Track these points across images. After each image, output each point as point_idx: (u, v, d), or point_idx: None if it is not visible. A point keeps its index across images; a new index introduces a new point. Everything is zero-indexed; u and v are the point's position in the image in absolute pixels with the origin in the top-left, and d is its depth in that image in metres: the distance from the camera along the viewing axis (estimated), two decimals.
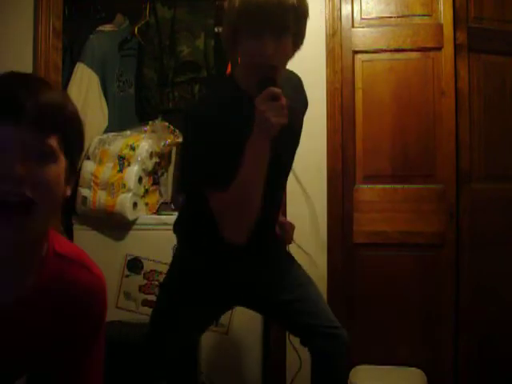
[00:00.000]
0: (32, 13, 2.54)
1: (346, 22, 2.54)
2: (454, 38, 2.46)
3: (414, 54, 2.51)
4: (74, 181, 1.03)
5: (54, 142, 0.91)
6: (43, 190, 0.90)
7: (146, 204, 2.74)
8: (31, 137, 0.88)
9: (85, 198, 2.65)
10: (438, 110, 2.49)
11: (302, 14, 1.45)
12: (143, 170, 2.70)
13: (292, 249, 1.89)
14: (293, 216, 1.77)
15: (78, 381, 1.10)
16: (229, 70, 2.68)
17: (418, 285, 2.51)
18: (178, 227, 1.76)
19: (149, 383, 1.81)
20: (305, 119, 1.71)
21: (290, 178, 1.79)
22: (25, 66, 2.53)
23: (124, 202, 2.59)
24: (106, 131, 2.90)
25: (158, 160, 2.79)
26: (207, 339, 2.41)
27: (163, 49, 3.05)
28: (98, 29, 2.98)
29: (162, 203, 2.86)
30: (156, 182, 2.83)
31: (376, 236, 2.53)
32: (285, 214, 2.33)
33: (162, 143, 2.80)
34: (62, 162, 0.94)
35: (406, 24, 2.51)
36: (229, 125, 1.45)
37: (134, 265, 2.63)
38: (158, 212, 2.80)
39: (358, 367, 2.41)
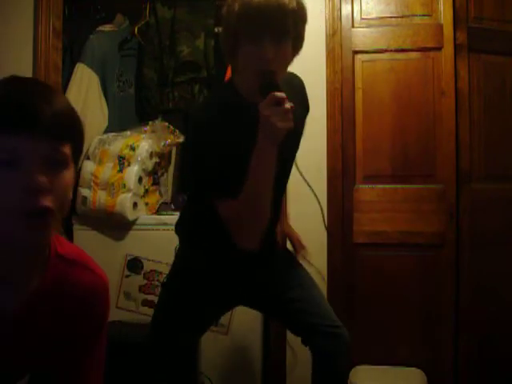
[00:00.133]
0: (32, 13, 2.54)
1: (346, 22, 2.54)
2: (454, 38, 2.46)
3: (414, 54, 2.51)
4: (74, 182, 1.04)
5: (67, 149, 0.92)
6: (59, 197, 0.91)
7: (146, 204, 2.74)
8: (48, 146, 0.89)
9: (85, 198, 2.65)
10: (437, 110, 2.49)
11: (301, 18, 1.45)
12: (143, 170, 2.70)
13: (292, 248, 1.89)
14: (293, 216, 1.76)
15: (79, 381, 1.10)
16: (228, 71, 2.68)
17: (418, 285, 2.51)
18: (179, 227, 1.76)
19: (149, 383, 1.81)
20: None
21: (291, 177, 1.78)
22: (25, 65, 2.53)
23: (124, 202, 2.59)
24: (106, 131, 2.90)
25: (158, 160, 2.79)
26: (207, 339, 2.40)
27: (163, 49, 3.05)
28: (98, 29, 2.98)
29: (162, 203, 2.86)
30: (156, 182, 2.83)
31: (376, 236, 2.53)
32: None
33: (162, 143, 2.80)
34: (72, 167, 0.95)
35: (406, 24, 2.51)
36: (230, 132, 1.45)
37: (134, 265, 2.63)
38: (157, 212, 2.80)
39: (358, 367, 2.41)
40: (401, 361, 2.47)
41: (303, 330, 1.67)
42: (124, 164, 2.66)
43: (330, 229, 2.52)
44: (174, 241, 1.82)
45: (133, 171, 2.65)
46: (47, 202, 0.88)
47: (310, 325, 1.63)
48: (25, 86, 0.94)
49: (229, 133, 1.45)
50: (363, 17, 2.55)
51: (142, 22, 3.06)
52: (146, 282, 2.62)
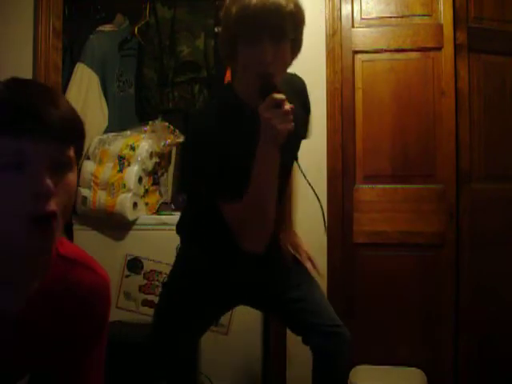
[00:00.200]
0: (32, 13, 2.54)
1: (346, 22, 2.54)
2: (454, 38, 2.46)
3: (414, 54, 2.51)
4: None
5: (72, 152, 0.92)
6: (65, 200, 0.90)
7: (146, 204, 2.74)
8: (53, 149, 0.88)
9: (85, 198, 2.65)
10: (438, 110, 2.49)
11: (299, 20, 1.45)
12: (143, 169, 2.70)
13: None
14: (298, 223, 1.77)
15: (79, 381, 1.10)
16: (228, 72, 2.68)
17: (418, 285, 2.51)
18: (180, 228, 1.76)
19: (149, 383, 1.81)
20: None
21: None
22: (25, 65, 2.54)
23: (124, 201, 2.59)
24: (106, 131, 2.90)
25: (158, 160, 2.79)
26: (207, 339, 2.40)
27: (163, 49, 3.05)
28: (98, 29, 2.98)
29: (162, 203, 2.86)
30: (156, 182, 2.83)
31: (376, 236, 2.53)
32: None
33: (162, 143, 2.80)
34: (76, 169, 0.95)
35: (405, 24, 2.51)
36: (230, 135, 1.45)
37: (134, 265, 2.63)
38: (157, 212, 2.80)
39: (358, 367, 2.41)
40: (401, 361, 2.47)
41: (304, 329, 1.67)
42: (124, 164, 2.66)
43: (329, 229, 2.51)
44: (174, 241, 1.82)
45: (133, 171, 2.65)
46: (53, 206, 0.87)
47: (311, 324, 1.63)
48: (29, 88, 0.93)
49: (229, 136, 1.45)
50: (363, 17, 2.55)
51: (142, 22, 3.07)
52: (145, 282, 2.62)
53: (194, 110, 3.00)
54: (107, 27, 3.02)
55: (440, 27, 2.48)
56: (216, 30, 2.96)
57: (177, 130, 2.90)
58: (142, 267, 2.63)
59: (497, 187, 2.54)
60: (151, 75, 3.07)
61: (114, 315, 2.40)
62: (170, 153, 2.96)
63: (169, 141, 2.83)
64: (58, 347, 1.05)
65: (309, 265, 1.73)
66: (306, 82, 1.71)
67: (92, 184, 2.65)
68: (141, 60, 3.14)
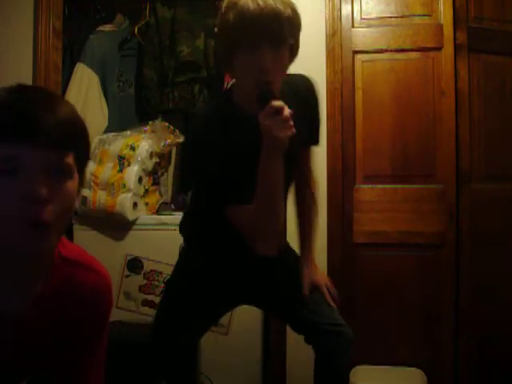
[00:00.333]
0: (32, 13, 2.54)
1: (346, 22, 2.54)
2: (454, 38, 2.46)
3: (414, 54, 2.51)
4: (81, 192, 1.04)
5: (70, 159, 0.91)
6: (62, 206, 0.90)
7: (146, 204, 2.74)
8: (49, 156, 0.88)
9: (85, 198, 2.65)
10: (438, 110, 2.49)
11: (296, 25, 1.45)
12: (143, 169, 2.70)
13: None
14: (293, 215, 1.76)
15: (79, 381, 1.10)
16: (226, 75, 2.69)
17: (418, 285, 2.51)
18: (183, 227, 1.77)
19: (149, 383, 1.82)
20: None
21: None
22: (25, 65, 2.53)
23: (124, 201, 2.59)
24: (106, 131, 2.90)
25: (158, 160, 2.79)
26: (207, 339, 2.40)
27: (163, 49, 3.05)
28: (98, 29, 2.98)
29: (162, 203, 2.86)
30: (156, 182, 2.83)
31: (376, 236, 2.53)
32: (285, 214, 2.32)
33: (162, 143, 2.80)
34: (76, 177, 0.94)
35: (405, 24, 2.51)
36: (229, 142, 1.45)
37: (134, 265, 2.63)
38: (157, 212, 2.80)
39: (358, 367, 2.41)
40: (401, 361, 2.47)
41: (306, 328, 1.67)
42: (124, 164, 2.66)
43: (329, 229, 2.52)
44: (174, 241, 1.82)
45: (133, 171, 2.65)
46: (46, 213, 0.87)
47: (313, 323, 1.63)
48: (27, 94, 0.94)
49: (228, 141, 1.46)
50: (363, 17, 2.55)
51: (142, 22, 3.07)
52: (145, 282, 2.62)
53: (195, 110, 3.00)
54: (107, 27, 3.02)
55: (440, 27, 2.48)
56: (216, 29, 2.96)
57: (177, 130, 2.90)
58: (142, 267, 2.63)
59: (497, 187, 2.54)
60: (151, 75, 3.07)
61: (114, 315, 2.40)
62: (170, 153, 2.95)
63: (169, 141, 2.83)
64: (59, 348, 1.05)
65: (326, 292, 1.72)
66: None
67: (92, 184, 2.64)
68: (141, 60, 3.14)
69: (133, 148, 2.68)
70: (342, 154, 2.52)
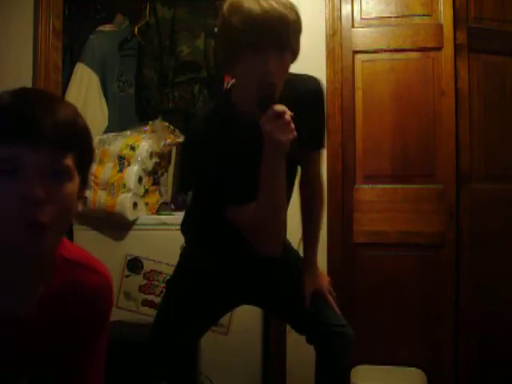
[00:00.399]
0: (32, 13, 2.54)
1: (346, 22, 2.54)
2: (454, 38, 2.46)
3: (414, 54, 2.51)
4: (84, 195, 1.04)
5: (69, 161, 0.91)
6: (60, 208, 0.90)
7: (146, 204, 2.74)
8: (48, 157, 0.89)
9: (85, 197, 2.65)
10: (438, 110, 2.49)
11: (299, 29, 1.45)
12: (143, 169, 2.70)
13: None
14: (293, 216, 1.76)
15: (79, 381, 1.10)
16: (226, 75, 2.69)
17: (418, 285, 2.51)
18: (185, 227, 1.77)
19: (149, 383, 1.82)
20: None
21: None
22: (25, 65, 2.53)
23: (124, 201, 2.59)
24: (106, 131, 2.90)
25: (158, 160, 2.79)
26: (207, 339, 2.40)
27: (163, 49, 3.05)
28: (98, 29, 2.98)
29: (162, 203, 2.86)
30: (156, 182, 2.83)
31: (376, 236, 2.53)
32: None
33: (162, 143, 2.80)
34: (76, 179, 0.94)
35: (406, 24, 2.51)
36: (230, 144, 1.46)
37: (134, 265, 2.63)
38: (157, 212, 2.80)
39: (358, 367, 2.41)
40: (401, 361, 2.47)
41: (308, 328, 1.67)
42: (124, 164, 2.66)
43: (329, 229, 2.52)
44: (174, 241, 1.82)
45: (133, 171, 2.65)
46: (43, 214, 0.87)
47: (316, 323, 1.64)
48: (28, 97, 0.94)
49: (228, 143, 1.46)
50: (363, 17, 2.55)
51: (142, 22, 3.07)
52: (145, 281, 2.62)
53: (195, 110, 3.00)
54: (107, 27, 3.02)
55: (440, 27, 2.48)
56: (216, 29, 2.96)
57: (177, 130, 2.90)
58: (142, 267, 2.63)
59: (497, 187, 2.54)
60: (151, 75, 3.07)
61: (114, 315, 2.39)
62: (169, 153, 2.95)
63: (169, 141, 2.83)
64: (60, 348, 1.05)
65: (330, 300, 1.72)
66: None
67: (92, 184, 2.64)
68: (141, 60, 3.14)
69: (133, 148, 2.68)
70: (342, 154, 2.52)
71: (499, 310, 2.49)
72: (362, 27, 2.54)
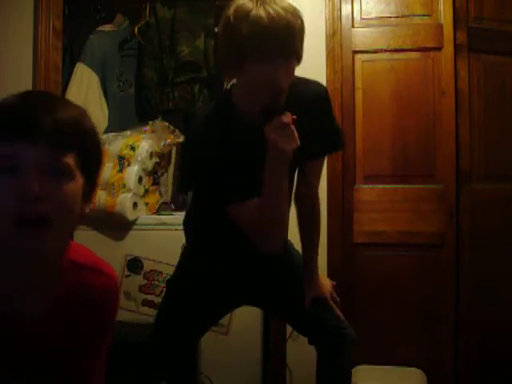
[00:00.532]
0: (32, 13, 2.54)
1: (346, 22, 2.54)
2: (454, 38, 2.46)
3: (414, 54, 2.51)
4: (92, 197, 1.04)
5: (70, 159, 0.91)
6: (59, 207, 0.90)
7: (146, 204, 2.74)
8: (47, 155, 0.89)
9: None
10: (438, 110, 2.49)
11: (303, 34, 1.44)
12: (143, 169, 2.69)
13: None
14: (293, 216, 1.76)
15: (82, 381, 1.10)
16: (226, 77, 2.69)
17: (418, 285, 2.51)
18: (185, 226, 1.77)
19: (149, 383, 1.82)
20: None
21: None
22: (25, 65, 2.53)
23: (124, 201, 2.59)
24: (106, 131, 2.90)
25: (158, 160, 2.79)
26: (207, 339, 2.41)
27: (163, 49, 3.05)
28: (98, 29, 2.98)
29: (162, 203, 2.86)
30: (156, 182, 2.83)
31: (376, 236, 2.53)
32: None
33: (162, 143, 2.80)
34: (79, 179, 0.94)
35: (406, 24, 2.51)
36: (229, 143, 1.46)
37: (134, 265, 2.63)
38: (157, 212, 2.80)
39: (358, 367, 2.41)
40: (401, 361, 2.47)
41: (310, 329, 1.67)
42: (124, 164, 2.66)
43: (329, 229, 2.52)
44: (174, 241, 1.82)
45: (133, 171, 2.65)
46: (41, 210, 0.87)
47: (317, 324, 1.64)
48: (30, 97, 0.95)
49: (227, 143, 1.46)
50: (363, 17, 2.55)
51: (142, 22, 3.06)
52: (145, 281, 2.62)
53: (195, 110, 3.00)
54: (107, 27, 3.02)
55: (440, 27, 2.48)
56: (216, 29, 2.96)
57: (177, 130, 2.90)
58: (142, 267, 2.62)
59: (497, 187, 2.54)
60: (151, 75, 3.07)
61: None
62: (169, 153, 2.95)
63: (169, 141, 2.83)
64: (65, 349, 1.05)
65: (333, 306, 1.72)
66: None
67: None
68: (141, 60, 3.14)
69: (133, 148, 2.68)
70: (342, 154, 2.52)
71: (499, 309, 2.49)
72: (362, 27, 2.54)
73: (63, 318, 1.03)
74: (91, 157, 0.97)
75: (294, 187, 1.70)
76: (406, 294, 2.51)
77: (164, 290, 1.92)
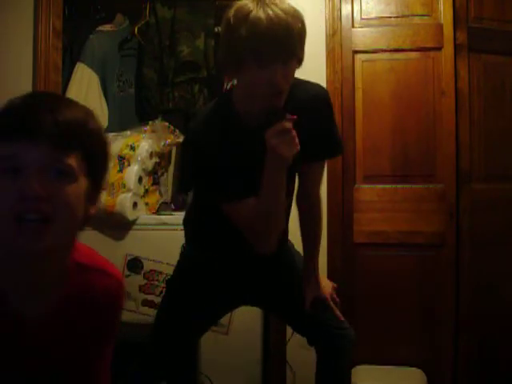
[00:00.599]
0: (32, 13, 2.54)
1: (346, 22, 2.54)
2: (454, 38, 2.46)
3: (414, 54, 2.51)
4: (99, 199, 1.04)
5: (73, 160, 0.91)
6: (60, 208, 0.90)
7: (146, 204, 2.74)
8: (48, 155, 0.88)
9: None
10: (438, 110, 2.49)
11: (304, 36, 1.43)
12: (143, 169, 2.70)
13: None
14: (293, 216, 1.76)
15: (90, 382, 1.10)
16: (226, 77, 2.69)
17: (417, 285, 2.51)
18: (185, 226, 1.77)
19: (149, 383, 1.82)
20: None
21: None
22: (25, 65, 2.53)
23: (124, 202, 2.59)
24: (106, 131, 2.89)
25: (158, 160, 2.79)
26: (207, 339, 2.41)
27: (163, 49, 3.05)
28: (97, 29, 2.98)
29: (162, 203, 2.86)
30: (156, 182, 2.83)
31: (376, 236, 2.53)
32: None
33: (162, 143, 2.80)
34: (83, 181, 0.93)
35: (406, 24, 2.51)
36: (228, 144, 1.46)
37: (134, 265, 2.63)
38: (157, 212, 2.80)
39: (358, 367, 2.41)
40: (401, 361, 2.47)
41: (310, 330, 1.67)
42: (124, 164, 2.66)
43: (329, 229, 2.52)
44: (174, 241, 1.82)
45: (133, 171, 2.65)
46: (41, 210, 0.87)
47: (317, 325, 1.64)
48: (34, 98, 0.95)
49: (227, 144, 1.46)
50: (363, 17, 2.55)
51: (142, 22, 3.06)
52: (145, 281, 2.62)
53: (195, 110, 3.00)
54: (107, 27, 3.02)
55: (440, 27, 2.48)
56: (216, 29, 2.96)
57: (177, 130, 2.90)
58: (142, 267, 2.62)
59: (497, 187, 2.54)
60: (151, 75, 3.07)
61: None
62: (169, 153, 2.95)
63: (169, 141, 2.83)
64: (69, 350, 1.05)
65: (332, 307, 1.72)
66: None
67: None
68: (141, 60, 3.14)
69: (133, 148, 2.68)
70: (342, 154, 2.52)
71: (499, 310, 2.49)
72: (362, 27, 2.54)
73: (67, 319, 1.03)
74: (96, 158, 0.96)
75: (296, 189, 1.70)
76: (405, 294, 2.51)
77: (164, 290, 1.92)
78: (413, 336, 2.52)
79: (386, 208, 2.52)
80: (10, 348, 0.98)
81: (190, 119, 3.06)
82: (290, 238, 1.81)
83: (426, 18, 2.50)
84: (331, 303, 1.70)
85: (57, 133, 0.89)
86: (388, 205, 2.52)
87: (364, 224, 2.54)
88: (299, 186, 1.70)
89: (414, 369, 2.44)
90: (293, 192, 1.70)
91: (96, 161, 0.96)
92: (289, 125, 1.38)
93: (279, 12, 1.34)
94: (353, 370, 2.35)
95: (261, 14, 1.34)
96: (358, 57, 2.54)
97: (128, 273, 2.63)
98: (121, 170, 2.65)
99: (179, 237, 1.80)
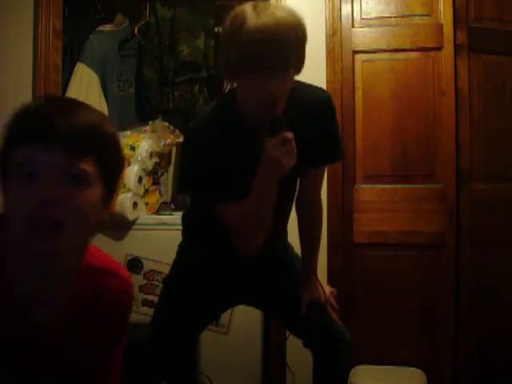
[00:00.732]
0: (32, 13, 2.54)
1: (346, 21, 2.54)
2: (454, 38, 2.46)
3: (414, 54, 2.51)
4: (112, 203, 1.04)
5: (87, 166, 0.90)
6: (73, 214, 0.90)
7: (146, 204, 2.74)
8: (63, 160, 0.88)
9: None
10: (438, 110, 2.49)
11: (302, 41, 1.40)
12: (143, 169, 2.70)
13: None
14: (293, 216, 1.76)
15: (103, 381, 1.11)
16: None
17: (417, 285, 2.51)
18: (183, 225, 1.77)
19: (149, 383, 1.82)
20: None
21: None
22: (25, 65, 2.54)
23: (124, 202, 2.59)
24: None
25: (158, 160, 2.79)
26: (207, 339, 2.41)
27: (163, 49, 3.05)
28: (97, 29, 2.98)
29: (162, 203, 2.86)
30: (156, 182, 2.83)
31: (376, 236, 2.53)
32: None
33: (162, 143, 2.80)
34: (98, 186, 0.93)
35: (406, 24, 2.51)
36: (228, 144, 1.46)
37: (134, 265, 2.63)
38: (157, 212, 2.80)
39: (358, 367, 2.41)
40: (401, 361, 2.47)
41: (306, 332, 1.67)
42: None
43: (329, 229, 2.52)
44: (174, 241, 1.82)
45: (133, 171, 2.65)
46: (54, 215, 0.87)
47: (314, 328, 1.64)
48: (49, 102, 0.95)
49: (227, 144, 1.46)
50: (363, 17, 2.55)
51: (142, 22, 3.07)
52: (145, 281, 2.62)
53: (195, 110, 3.00)
54: (107, 27, 3.02)
55: (440, 27, 2.48)
56: (216, 29, 2.96)
57: (177, 130, 2.90)
58: (142, 267, 2.63)
59: (497, 187, 2.54)
60: (151, 75, 3.07)
61: None
62: (169, 153, 2.95)
63: (169, 141, 2.83)
64: (83, 350, 1.06)
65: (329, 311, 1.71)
66: (306, 81, 1.68)
67: None
68: (141, 60, 3.14)
69: (133, 148, 2.68)
70: (343, 160, 2.52)
71: (499, 309, 2.49)
72: (362, 27, 2.54)
73: (80, 320, 1.04)
74: (111, 163, 0.96)
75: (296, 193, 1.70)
76: (406, 294, 2.51)
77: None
78: (413, 336, 2.52)
79: (386, 208, 2.52)
80: (23, 349, 0.98)
81: (190, 119, 3.06)
82: (289, 238, 1.81)
83: (426, 17, 2.50)
84: (328, 307, 1.69)
85: (72, 138, 0.89)
86: (388, 205, 2.52)
87: (364, 224, 2.54)
88: (299, 191, 1.70)
89: (413, 369, 2.44)
90: (294, 196, 1.69)
91: (110, 165, 0.96)
92: (290, 135, 1.37)
93: (273, 21, 1.32)
94: (353, 370, 2.36)
95: (254, 23, 1.32)
96: (358, 57, 2.54)
97: (128, 273, 2.62)
98: None
99: (179, 237, 1.80)
